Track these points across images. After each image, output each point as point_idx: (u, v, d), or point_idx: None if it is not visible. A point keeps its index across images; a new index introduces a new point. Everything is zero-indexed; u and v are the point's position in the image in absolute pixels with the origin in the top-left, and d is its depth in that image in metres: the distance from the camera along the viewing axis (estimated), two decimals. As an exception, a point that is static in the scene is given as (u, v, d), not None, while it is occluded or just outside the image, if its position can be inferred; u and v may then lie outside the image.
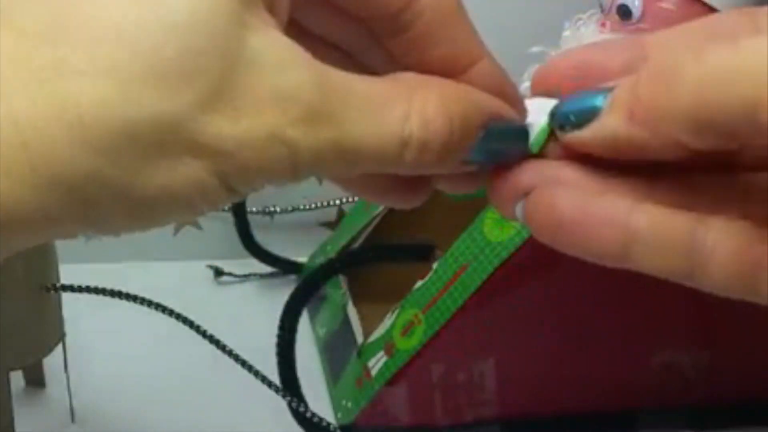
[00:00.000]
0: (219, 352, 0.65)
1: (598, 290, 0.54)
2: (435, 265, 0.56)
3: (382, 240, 0.66)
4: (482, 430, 0.57)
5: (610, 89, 0.28)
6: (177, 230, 0.68)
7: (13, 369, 0.56)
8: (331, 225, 0.75)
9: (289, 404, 0.57)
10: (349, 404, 0.58)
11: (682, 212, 0.28)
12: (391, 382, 0.56)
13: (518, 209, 0.29)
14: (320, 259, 0.69)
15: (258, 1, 0.28)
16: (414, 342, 0.55)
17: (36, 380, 0.61)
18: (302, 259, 0.74)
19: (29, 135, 0.25)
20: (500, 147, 0.31)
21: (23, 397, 0.55)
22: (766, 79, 0.24)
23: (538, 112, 0.31)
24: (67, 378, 0.58)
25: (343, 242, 0.68)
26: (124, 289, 0.60)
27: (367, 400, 0.57)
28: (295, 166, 0.28)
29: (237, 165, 0.27)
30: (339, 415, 0.59)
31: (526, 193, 0.29)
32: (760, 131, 0.24)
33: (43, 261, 0.54)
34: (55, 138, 0.25)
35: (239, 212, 0.71)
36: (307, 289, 0.59)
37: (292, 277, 0.74)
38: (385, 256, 0.59)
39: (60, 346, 0.56)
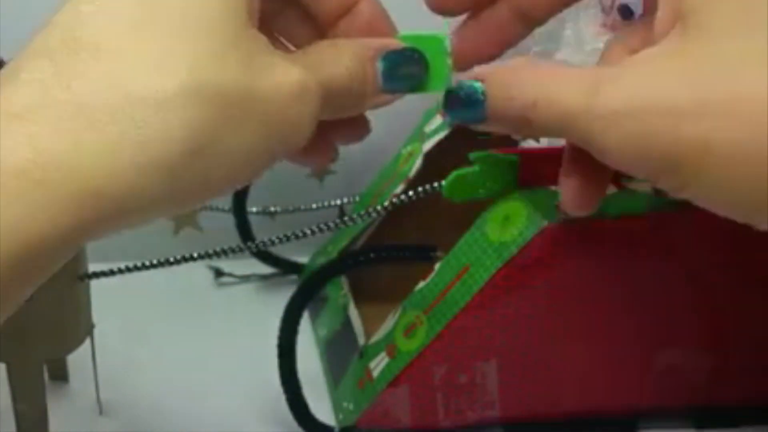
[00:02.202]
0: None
1: (601, 291, 0.54)
2: (437, 266, 0.56)
3: (384, 240, 0.66)
4: None
5: None
6: (177, 230, 0.68)
7: (47, 361, 0.56)
8: (332, 225, 0.75)
9: (290, 406, 0.57)
10: (351, 406, 0.58)
11: None
12: (393, 383, 0.56)
13: None
14: (321, 260, 0.69)
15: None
16: (416, 343, 0.55)
17: (60, 374, 0.61)
18: (303, 259, 0.74)
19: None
20: (401, 70, 0.41)
21: (48, 392, 0.55)
22: None
23: None
24: (95, 370, 0.58)
25: (344, 243, 0.68)
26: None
27: (369, 402, 0.57)
28: None
29: None
30: (340, 416, 0.59)
31: None
32: None
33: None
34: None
35: (240, 212, 0.71)
36: (308, 289, 0.59)
37: (293, 277, 0.73)
38: (386, 256, 0.59)
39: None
